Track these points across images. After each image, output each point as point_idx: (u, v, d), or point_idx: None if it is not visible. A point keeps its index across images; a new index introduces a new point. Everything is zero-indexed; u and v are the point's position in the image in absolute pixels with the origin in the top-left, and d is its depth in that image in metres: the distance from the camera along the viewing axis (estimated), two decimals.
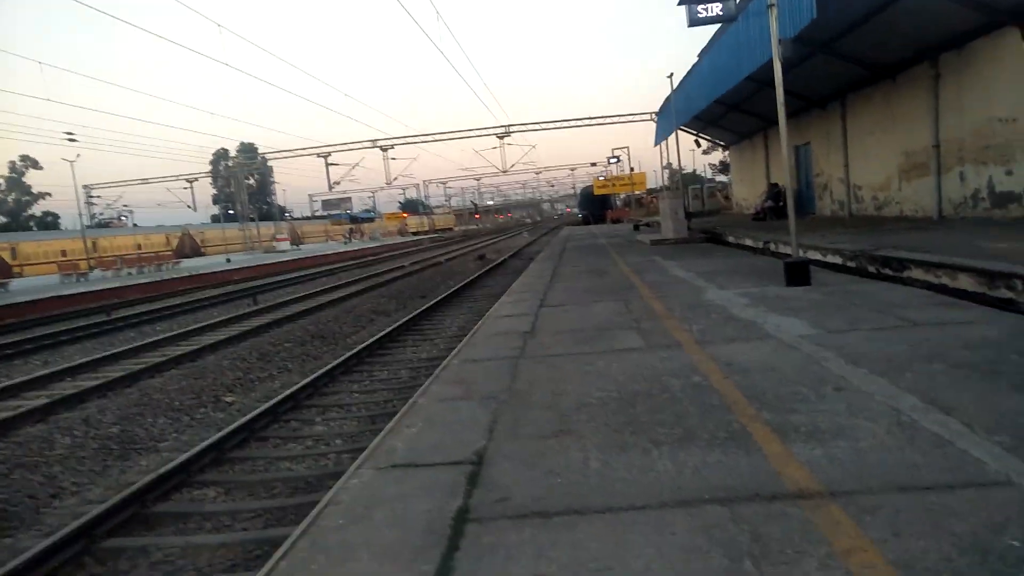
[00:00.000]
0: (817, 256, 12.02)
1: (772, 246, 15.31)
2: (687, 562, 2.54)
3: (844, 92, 21.34)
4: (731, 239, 19.46)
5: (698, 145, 40.60)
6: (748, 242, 17.49)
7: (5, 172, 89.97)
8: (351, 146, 50.14)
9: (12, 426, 8.30)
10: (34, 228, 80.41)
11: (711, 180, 70.11)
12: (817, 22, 11.98)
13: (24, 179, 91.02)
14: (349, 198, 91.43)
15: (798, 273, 9.27)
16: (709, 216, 38.01)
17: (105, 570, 4.88)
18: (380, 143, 49.51)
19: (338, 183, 53.70)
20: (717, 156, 72.57)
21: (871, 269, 10.31)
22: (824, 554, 2.51)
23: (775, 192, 26.83)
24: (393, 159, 52.46)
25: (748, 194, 34.64)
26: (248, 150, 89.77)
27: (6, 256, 45.68)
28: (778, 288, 9.15)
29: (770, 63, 9.95)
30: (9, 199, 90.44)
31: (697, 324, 7.15)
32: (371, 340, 11.85)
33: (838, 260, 11.46)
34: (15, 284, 32.60)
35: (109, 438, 7.83)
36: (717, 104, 23.82)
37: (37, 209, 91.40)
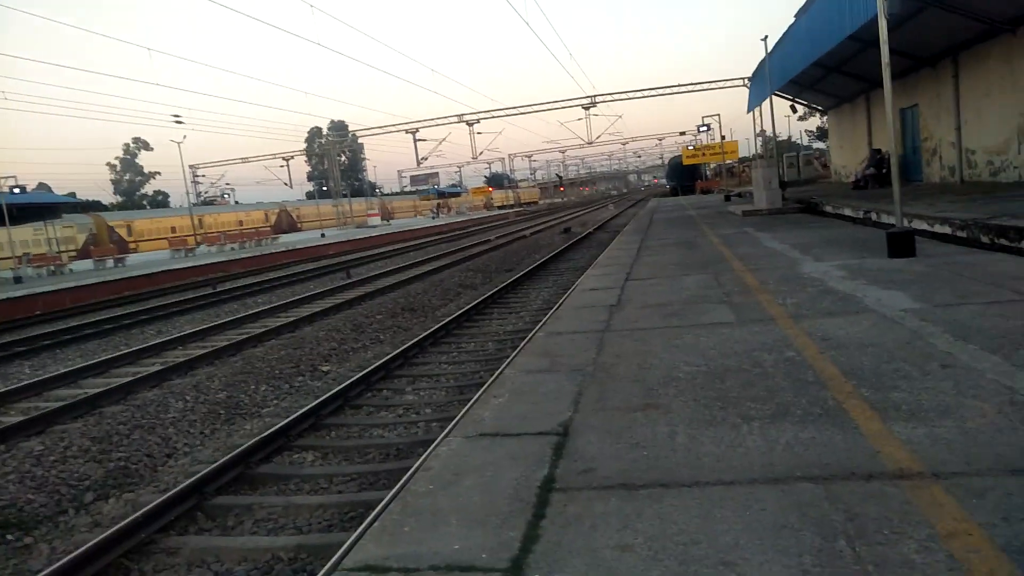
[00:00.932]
0: (924, 226, 11.30)
1: (874, 216, 14.50)
2: (777, 539, 2.49)
3: (957, 49, 19.77)
4: (829, 209, 18.56)
5: (794, 111, 38.62)
6: (847, 212, 16.63)
7: (120, 154, 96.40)
8: (438, 121, 50.77)
9: (131, 390, 8.99)
10: (147, 206, 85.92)
11: (807, 147, 66.87)
12: None
13: (137, 160, 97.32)
14: (436, 173, 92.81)
15: (902, 244, 8.76)
16: (805, 185, 36.32)
17: (215, 525, 5.25)
18: (466, 118, 49.84)
19: (426, 159, 54.57)
20: (814, 122, 69.00)
21: (984, 239, 9.61)
22: (925, 536, 2.41)
23: (878, 158, 25.31)
24: (479, 133, 52.84)
25: (848, 161, 32.85)
26: (339, 128, 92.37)
27: (123, 233, 49.09)
28: (880, 260, 8.69)
29: (874, 20, 9.34)
30: (124, 179, 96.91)
31: (792, 298, 6.89)
32: (458, 312, 12.08)
33: (947, 230, 10.74)
34: (131, 259, 35.02)
35: (216, 403, 8.36)
36: (815, 66, 22.59)
37: (149, 188, 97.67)
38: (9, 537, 5.35)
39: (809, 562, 2.33)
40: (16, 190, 30.71)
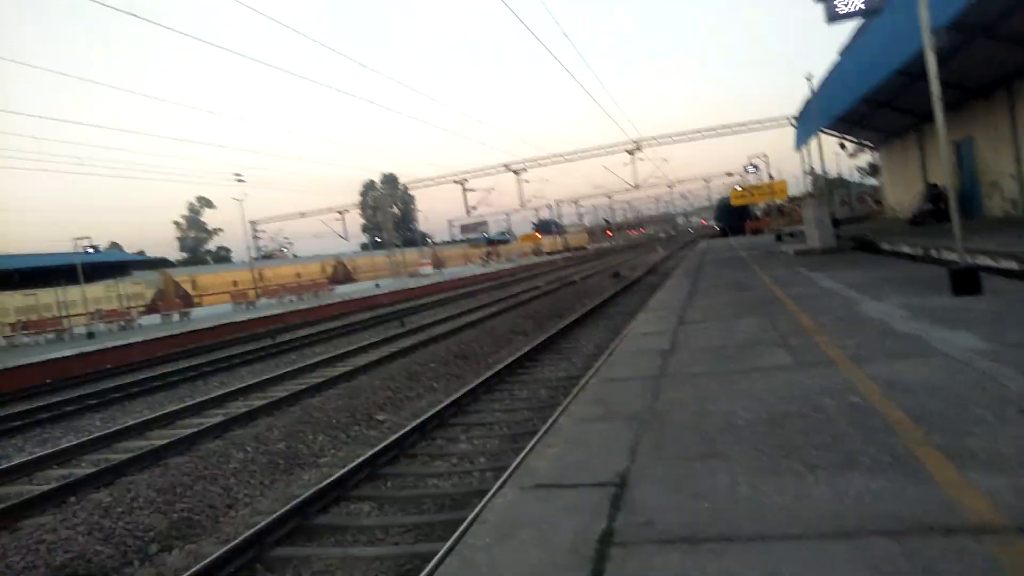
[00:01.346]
0: (988, 262, 10.88)
1: (933, 252, 14.04)
2: None
3: (1011, 78, 19.26)
4: (885, 246, 18.06)
5: (843, 148, 37.97)
6: (905, 249, 16.15)
7: (185, 212, 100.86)
8: (485, 171, 51.57)
9: (194, 441, 9.22)
10: (210, 262, 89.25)
11: (859, 184, 65.49)
12: (975, 5, 10.93)
13: (201, 218, 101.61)
14: (485, 221, 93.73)
15: (966, 281, 8.44)
16: (859, 222, 35.50)
17: None
18: (513, 166, 50.57)
19: (475, 207, 55.30)
20: (865, 158, 67.70)
21: None
22: None
23: (935, 193, 24.61)
24: (526, 181, 53.49)
25: (902, 197, 32.02)
26: (390, 180, 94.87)
27: (188, 288, 50.98)
28: (943, 298, 8.38)
29: (921, 54, 9.21)
30: (189, 236, 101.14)
31: (851, 339, 6.69)
32: (510, 360, 12.08)
33: (1013, 265, 10.31)
34: (196, 313, 36.27)
35: (275, 453, 8.49)
36: (862, 102, 22.27)
37: (212, 244, 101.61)
38: None
39: None
40: (90, 250, 32.32)
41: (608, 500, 3.54)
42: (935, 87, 8.92)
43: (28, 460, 9.15)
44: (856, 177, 73.00)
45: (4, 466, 9.01)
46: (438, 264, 71.44)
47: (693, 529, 3.08)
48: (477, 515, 3.64)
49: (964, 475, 3.24)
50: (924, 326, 6.86)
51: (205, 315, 34.06)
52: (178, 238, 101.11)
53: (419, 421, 8.51)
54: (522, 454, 4.64)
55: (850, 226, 30.12)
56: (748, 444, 4.09)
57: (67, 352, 20.32)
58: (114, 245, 78.32)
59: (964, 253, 9.32)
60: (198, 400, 12.09)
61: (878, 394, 4.73)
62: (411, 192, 73.03)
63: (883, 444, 3.78)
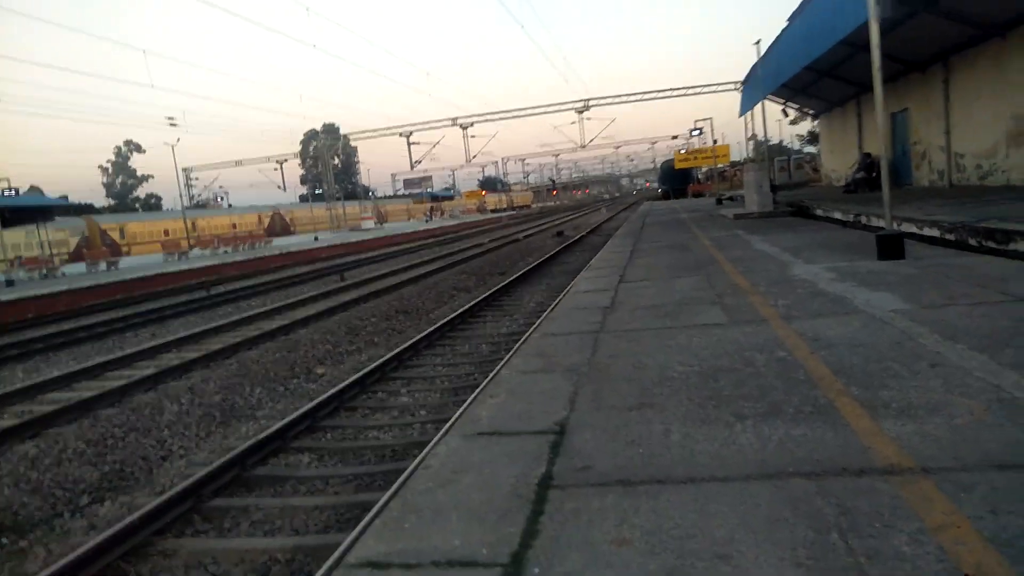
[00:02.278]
0: (913, 229, 11.42)
1: (863, 219, 14.63)
2: (772, 532, 2.55)
3: (947, 54, 19.97)
4: (819, 212, 18.70)
5: (785, 115, 39.02)
6: (838, 215, 16.77)
7: (112, 156, 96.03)
8: (432, 125, 50.80)
9: (125, 393, 8.99)
10: (139, 209, 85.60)
11: (798, 151, 67.23)
12: None
13: (129, 163, 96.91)
14: (430, 177, 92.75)
15: (891, 246, 8.86)
16: (796, 188, 36.53)
17: (211, 527, 5.27)
18: (460, 121, 49.90)
19: (419, 162, 54.53)
20: (805, 126, 69.44)
21: (972, 242, 9.73)
22: (915, 529, 2.47)
23: (868, 162, 25.51)
24: (473, 136, 52.75)
25: (838, 165, 33.08)
26: (333, 131, 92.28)
27: (115, 236, 48.91)
28: (869, 262, 8.78)
29: (865, 25, 9.44)
30: (116, 182, 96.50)
31: (783, 299, 6.97)
32: (452, 315, 12.12)
33: (936, 233, 10.86)
34: (124, 262, 34.90)
35: (211, 406, 8.37)
36: (807, 71, 22.73)
37: (142, 191, 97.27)
38: (4, 541, 5.36)
39: (803, 554, 2.39)
40: (8, 192, 30.55)
41: (548, 447, 3.65)
42: (876, 56, 9.16)
43: None
44: (796, 144, 74.95)
45: None
46: (380, 218, 70.44)
47: (628, 473, 3.22)
48: (421, 461, 3.70)
49: (877, 423, 3.46)
50: (850, 287, 7.20)
51: (134, 265, 32.82)
52: (104, 183, 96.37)
53: (359, 375, 8.50)
54: (465, 404, 4.71)
55: (788, 192, 30.99)
56: (682, 395, 4.25)
57: None
58: (34, 188, 74.07)
59: (891, 220, 9.74)
60: (128, 352, 11.74)
61: (804, 350, 4.97)
62: (354, 144, 71.22)
63: (806, 395, 3.99)
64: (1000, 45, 17.32)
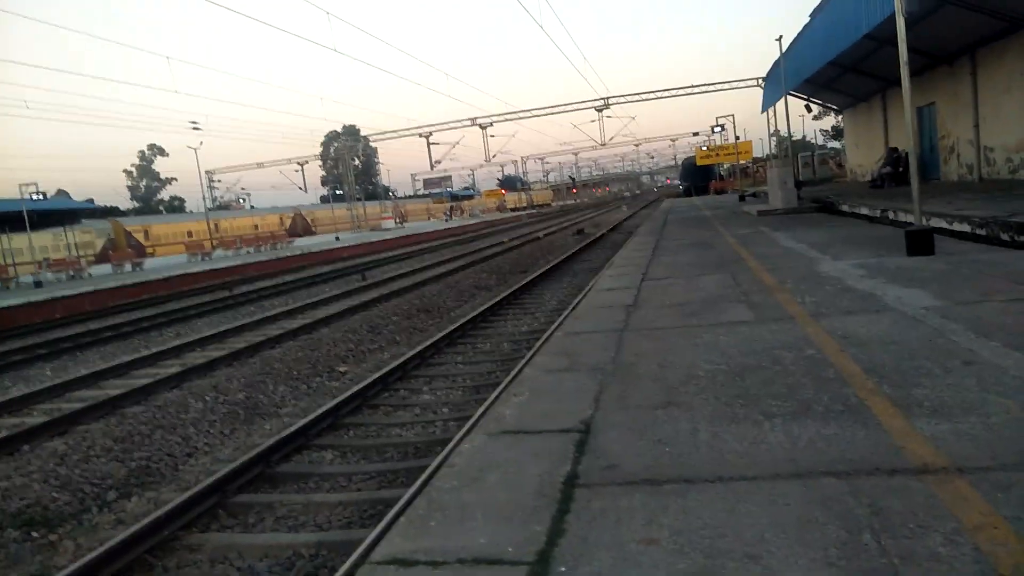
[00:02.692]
0: (942, 224, 11.20)
1: (891, 214, 14.39)
2: (802, 532, 2.50)
3: (974, 46, 19.59)
4: (845, 208, 18.43)
5: (809, 110, 38.38)
6: (864, 211, 16.51)
7: (136, 160, 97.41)
8: (451, 125, 50.96)
9: (151, 391, 9.09)
10: (163, 211, 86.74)
11: (823, 147, 66.42)
12: None
13: (153, 166, 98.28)
14: (450, 176, 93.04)
15: (921, 242, 8.70)
16: (821, 185, 36.07)
17: (236, 522, 5.31)
18: (479, 121, 49.96)
19: (439, 162, 54.75)
20: (829, 121, 68.65)
21: (1004, 237, 9.52)
22: (951, 530, 2.41)
23: (894, 157, 25.11)
24: (492, 136, 52.80)
25: (864, 160, 32.62)
26: (353, 132, 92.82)
27: (140, 238, 49.60)
28: (899, 258, 8.63)
29: (890, 19, 9.30)
30: (141, 185, 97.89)
31: (810, 296, 6.87)
32: (474, 314, 12.11)
33: (966, 228, 10.64)
34: (149, 263, 35.37)
35: (236, 403, 8.44)
36: (831, 66, 22.45)
37: (165, 194, 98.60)
38: (35, 534, 5.44)
39: (835, 555, 2.34)
40: (36, 196, 31.09)
41: (573, 446, 3.62)
42: (903, 51, 9.01)
43: None
44: (820, 140, 74.07)
45: None
46: (400, 218, 70.69)
47: (655, 472, 3.18)
48: (445, 459, 3.69)
49: (910, 422, 3.39)
50: (879, 284, 7.08)
51: (159, 265, 33.25)
52: (129, 187, 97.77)
53: (381, 372, 8.52)
54: (488, 401, 4.70)
55: (812, 188, 30.61)
56: (709, 394, 4.20)
57: (14, 301, 19.68)
58: (61, 192, 75.41)
59: (920, 215, 9.57)
60: (154, 351, 11.89)
61: (834, 347, 4.88)
62: (373, 144, 71.68)
63: (836, 394, 3.92)
64: None
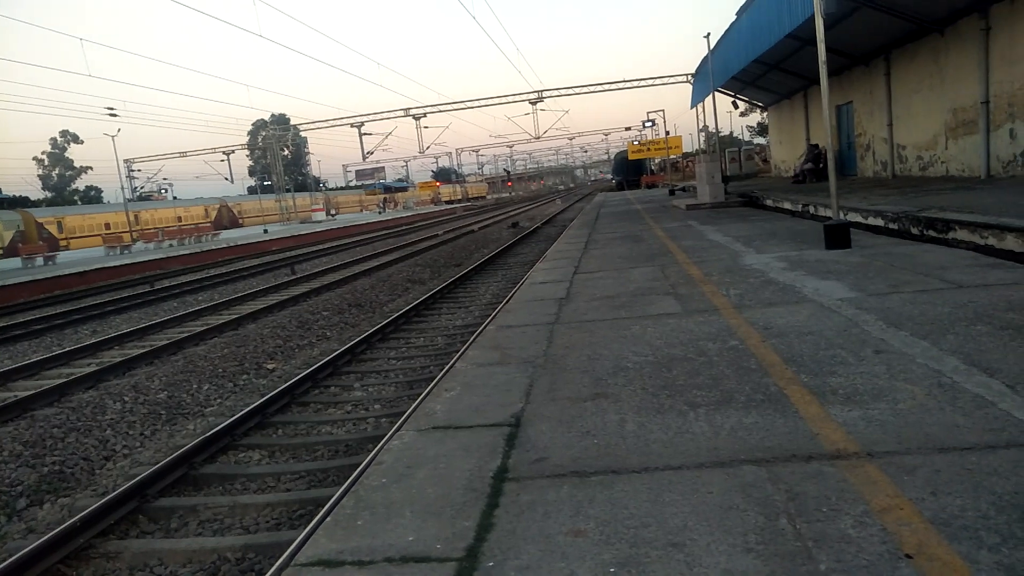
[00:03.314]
0: (858, 218, 11.75)
1: (812, 209, 15.00)
2: (723, 519, 2.57)
3: (889, 48, 20.60)
4: (769, 202, 19.11)
5: (736, 107, 39.78)
6: (787, 205, 17.16)
7: (48, 148, 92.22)
8: (384, 115, 50.17)
9: (65, 392, 8.66)
10: (78, 202, 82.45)
11: (749, 143, 68.60)
12: None
13: (66, 154, 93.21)
14: (383, 168, 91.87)
15: (838, 236, 9.09)
16: (747, 179, 37.30)
17: (157, 527, 5.11)
18: (412, 112, 49.42)
19: (371, 153, 53.87)
20: (755, 118, 70.98)
21: (915, 231, 10.06)
22: (860, 512, 2.52)
23: (815, 153, 26.18)
24: (426, 127, 52.34)
25: (787, 156, 33.87)
26: (282, 121, 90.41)
27: (53, 230, 47.03)
28: (818, 252, 9.00)
29: (811, 19, 9.65)
30: (53, 174, 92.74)
31: (735, 289, 7.08)
32: (407, 308, 12.00)
33: (880, 222, 11.20)
34: (62, 257, 33.58)
35: (157, 403, 8.12)
36: (756, 63, 23.22)
37: (80, 183, 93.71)
38: None
39: (753, 540, 2.42)
40: None
41: (503, 439, 3.62)
42: (821, 51, 9.37)
43: None
44: (746, 136, 76.46)
45: None
46: (331, 210, 69.34)
47: (583, 464, 3.21)
48: (374, 457, 3.64)
49: (825, 409, 3.54)
50: (799, 276, 7.36)
51: (74, 259, 31.60)
52: (40, 175, 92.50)
53: (311, 369, 8.35)
54: (420, 398, 4.67)
55: (739, 182, 31.61)
56: (636, 385, 4.28)
57: None
58: None
59: (838, 210, 10.00)
60: (67, 349, 11.31)
61: (756, 338, 5.05)
62: (304, 134, 69.98)
63: (757, 384, 4.06)
64: (938, 41, 17.93)
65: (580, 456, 3.31)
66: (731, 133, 75.65)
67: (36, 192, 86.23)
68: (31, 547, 4.46)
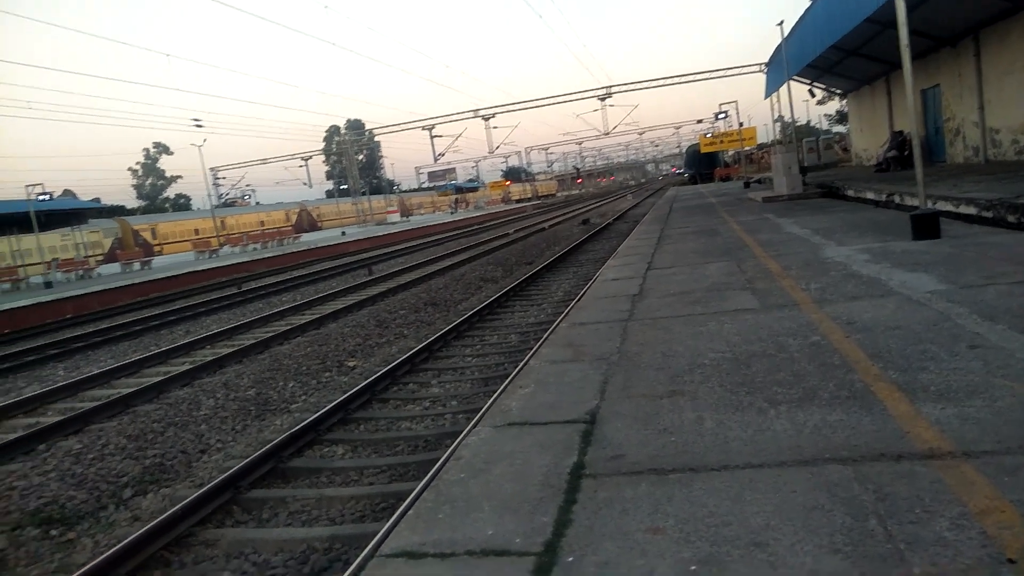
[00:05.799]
0: (948, 207, 11.15)
1: (896, 198, 14.33)
2: (808, 519, 2.52)
3: (978, 28, 19.41)
4: (850, 193, 18.35)
5: (812, 95, 38.31)
6: (870, 195, 16.44)
7: (141, 159, 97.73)
8: (454, 117, 50.74)
9: (163, 389, 9.18)
10: (169, 209, 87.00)
11: (827, 131, 66.01)
12: None
13: (158, 164, 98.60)
14: (453, 169, 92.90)
15: (926, 226, 8.66)
16: (826, 169, 35.90)
17: (250, 518, 5.37)
18: (482, 112, 49.81)
19: (442, 154, 54.64)
20: (833, 106, 68.17)
21: (1011, 219, 9.47)
22: (957, 514, 2.42)
23: (899, 140, 24.95)
24: (495, 128, 52.59)
25: (869, 144, 32.41)
26: (356, 126, 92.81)
27: (147, 236, 49.81)
28: (904, 243, 8.60)
29: (892, 1, 9.22)
30: (146, 183, 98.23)
31: (815, 283, 6.87)
32: (480, 306, 12.14)
33: (972, 211, 10.59)
34: (157, 262, 35.53)
35: (246, 400, 8.50)
36: (833, 50, 22.30)
37: (170, 191, 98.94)
38: (53, 532, 5.51)
39: (841, 541, 2.36)
40: (43, 197, 31.22)
41: (579, 436, 3.65)
42: (903, 34, 8.95)
43: None
44: (824, 124, 73.62)
45: None
46: (405, 212, 70.74)
47: (661, 461, 3.20)
48: (452, 452, 3.73)
49: (916, 407, 3.40)
50: (884, 269, 7.06)
51: (167, 264, 33.41)
52: (134, 185, 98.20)
53: (390, 367, 8.56)
54: (495, 395, 4.73)
55: (817, 173, 30.47)
56: (713, 383, 4.22)
57: (25, 302, 19.83)
58: (68, 192, 75.73)
59: (925, 199, 9.53)
60: (164, 348, 11.98)
61: (839, 334, 4.89)
62: (377, 138, 71.66)
63: (842, 380, 3.93)
64: None
65: (657, 454, 3.29)
66: (808, 122, 72.96)
67: (131, 201, 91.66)
68: (137, 534, 4.77)
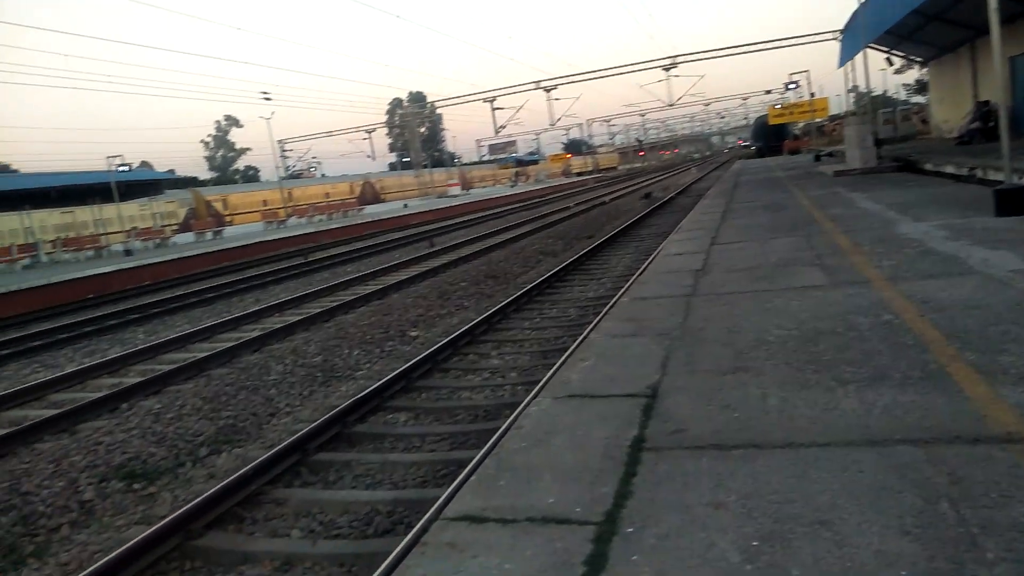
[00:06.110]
0: None
1: (979, 172, 13.59)
2: (876, 500, 2.47)
3: None
4: (928, 166, 17.50)
5: (890, 64, 36.39)
6: (950, 169, 15.64)
7: (213, 131, 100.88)
8: (515, 89, 50.38)
9: (235, 354, 9.56)
10: (239, 181, 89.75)
11: (905, 102, 62.82)
12: None
13: (228, 137, 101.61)
14: (514, 141, 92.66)
15: (1011, 201, 8.21)
16: (903, 142, 34.26)
17: (317, 479, 5.58)
18: (543, 84, 49.30)
19: (503, 127, 54.41)
20: (912, 75, 64.68)
21: None
22: None
23: (984, 111, 23.55)
24: (556, 99, 51.93)
25: (950, 116, 30.74)
26: (418, 99, 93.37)
27: (219, 207, 51.52)
28: (986, 219, 8.18)
29: None
30: (217, 155, 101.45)
31: (888, 260, 6.62)
32: (539, 280, 12.16)
33: None
34: (228, 231, 36.78)
35: (313, 366, 8.78)
36: (914, 15, 21.14)
37: (240, 163, 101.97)
38: (136, 486, 5.87)
39: (910, 523, 2.31)
40: (123, 168, 32.62)
41: (640, 410, 3.65)
42: None
43: (79, 369, 9.60)
44: (902, 95, 70.08)
45: (59, 374, 9.47)
46: (466, 185, 71.03)
47: (723, 437, 3.18)
48: (513, 421, 3.79)
49: (994, 389, 3.27)
50: (964, 246, 6.75)
51: (237, 233, 34.51)
52: (206, 157, 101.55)
53: (451, 337, 8.70)
54: (555, 367, 4.77)
55: (893, 146, 29.12)
56: (779, 359, 4.14)
57: (106, 269, 20.87)
58: (145, 164, 78.90)
59: (1012, 172, 9.02)
60: (235, 315, 12.45)
61: (912, 312, 4.72)
62: (439, 111, 71.96)
63: (915, 360, 3.81)
64: None
65: (720, 429, 3.27)
66: (884, 92, 69.48)
67: (203, 173, 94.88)
68: (213, 490, 5.03)
